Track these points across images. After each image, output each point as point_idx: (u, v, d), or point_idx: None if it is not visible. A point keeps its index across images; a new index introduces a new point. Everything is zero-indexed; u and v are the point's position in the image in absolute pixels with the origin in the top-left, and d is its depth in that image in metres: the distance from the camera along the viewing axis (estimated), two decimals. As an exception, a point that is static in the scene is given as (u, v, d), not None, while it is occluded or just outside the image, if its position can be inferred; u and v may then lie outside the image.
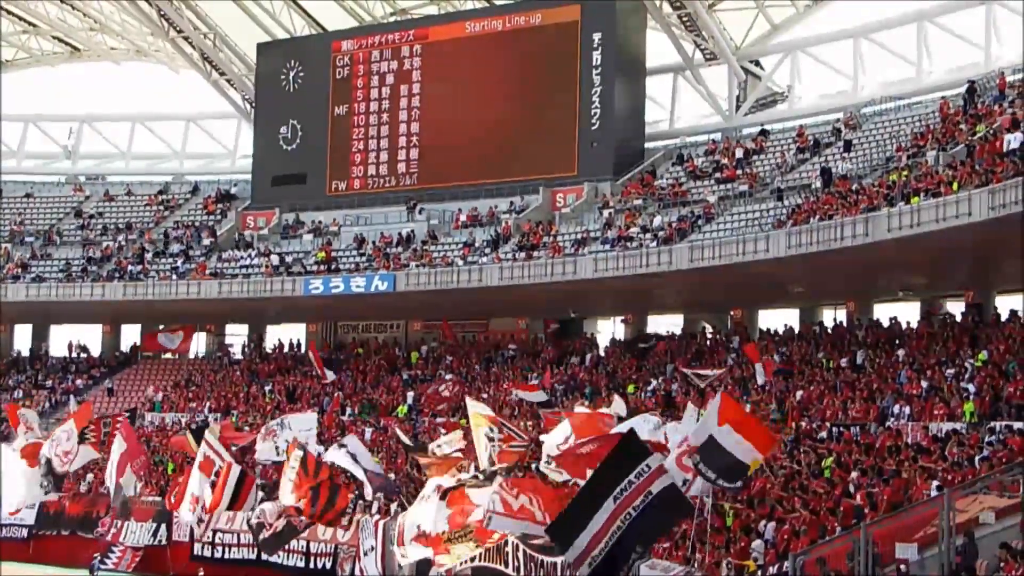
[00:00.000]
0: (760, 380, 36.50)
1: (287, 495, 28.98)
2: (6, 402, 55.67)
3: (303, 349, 56.52)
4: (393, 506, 33.67)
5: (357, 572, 34.12)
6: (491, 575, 26.90)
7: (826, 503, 24.89)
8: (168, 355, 58.52)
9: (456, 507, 25.18)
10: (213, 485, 31.37)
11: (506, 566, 27.48)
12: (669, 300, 47.73)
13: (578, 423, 27.77)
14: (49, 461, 36.21)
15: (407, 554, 27.39)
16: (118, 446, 34.43)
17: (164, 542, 40.57)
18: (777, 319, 44.94)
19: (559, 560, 24.85)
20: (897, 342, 36.65)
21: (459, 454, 29.97)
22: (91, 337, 61.70)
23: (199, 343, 60.11)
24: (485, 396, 44.43)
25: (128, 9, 60.47)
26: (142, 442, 44.13)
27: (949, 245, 32.73)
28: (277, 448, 34.26)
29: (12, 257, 58.51)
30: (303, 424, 35.48)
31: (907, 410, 31.08)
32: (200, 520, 34.25)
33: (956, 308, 38.89)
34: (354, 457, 30.75)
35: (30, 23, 65.29)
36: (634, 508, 16.32)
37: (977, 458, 25.33)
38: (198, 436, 34.20)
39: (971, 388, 30.47)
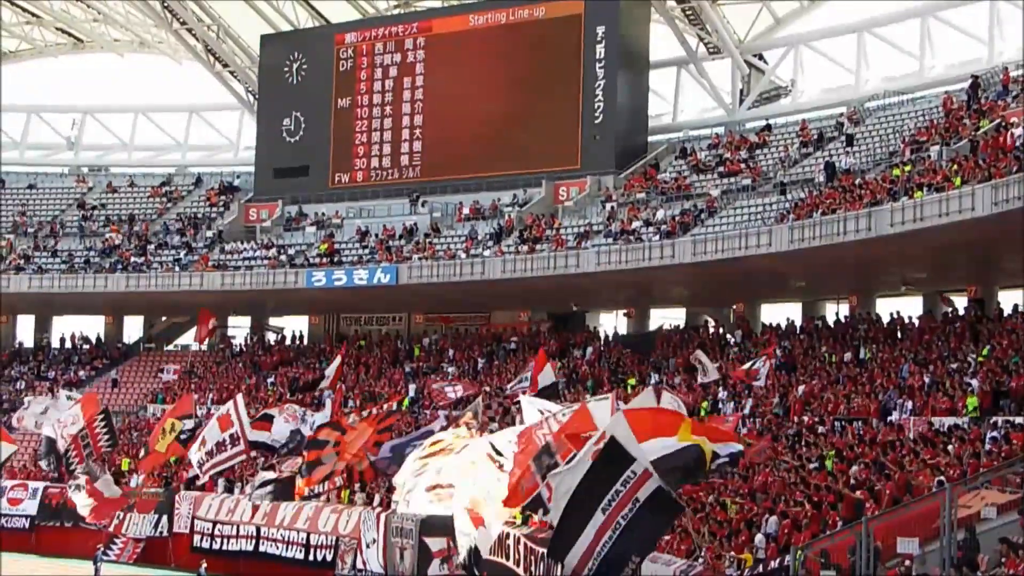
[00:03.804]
0: (761, 382, 35.94)
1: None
2: (7, 394, 55.90)
3: (306, 340, 56.64)
4: (395, 496, 33.57)
5: (359, 564, 34.11)
6: (494, 568, 26.89)
7: (828, 497, 24.89)
8: (183, 343, 59.68)
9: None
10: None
11: (507, 559, 27.50)
12: (671, 294, 47.72)
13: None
14: (52, 440, 36.44)
15: (410, 501, 23.67)
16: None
17: (165, 533, 40.67)
18: (779, 313, 44.97)
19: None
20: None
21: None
22: (93, 328, 61.77)
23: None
24: (487, 388, 44.47)
25: (132, 0, 60.45)
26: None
27: (952, 240, 32.70)
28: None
29: (15, 248, 58.54)
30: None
31: (909, 404, 31.07)
32: (201, 463, 33.71)
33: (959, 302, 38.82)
34: None
35: (33, 14, 65.29)
36: (623, 518, 15.85)
37: (979, 453, 25.35)
38: None
39: (974, 383, 30.45)
